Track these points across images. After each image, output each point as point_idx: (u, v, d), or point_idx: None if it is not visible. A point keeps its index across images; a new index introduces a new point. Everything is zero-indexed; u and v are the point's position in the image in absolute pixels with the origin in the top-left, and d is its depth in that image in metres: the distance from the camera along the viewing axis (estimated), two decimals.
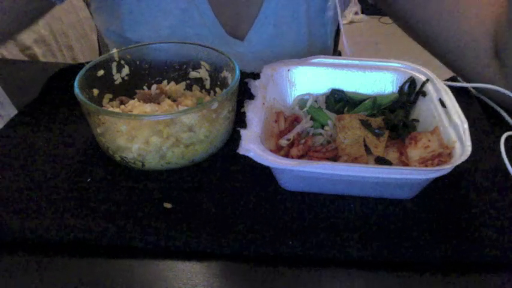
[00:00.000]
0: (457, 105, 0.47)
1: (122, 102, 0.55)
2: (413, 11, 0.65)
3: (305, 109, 0.53)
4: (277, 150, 0.48)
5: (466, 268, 0.39)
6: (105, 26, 0.76)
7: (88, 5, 0.85)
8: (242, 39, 0.73)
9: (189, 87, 0.58)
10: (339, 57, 0.57)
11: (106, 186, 0.45)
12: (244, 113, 0.46)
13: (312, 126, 0.52)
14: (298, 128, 0.50)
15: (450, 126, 0.45)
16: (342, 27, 0.67)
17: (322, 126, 0.52)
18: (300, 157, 0.47)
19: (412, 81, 0.53)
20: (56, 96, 0.59)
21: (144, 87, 0.57)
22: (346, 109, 0.54)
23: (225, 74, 0.54)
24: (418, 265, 0.39)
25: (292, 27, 0.73)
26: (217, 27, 0.71)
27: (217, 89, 0.57)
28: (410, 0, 0.65)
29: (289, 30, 0.73)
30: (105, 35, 0.79)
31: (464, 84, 0.60)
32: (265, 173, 0.46)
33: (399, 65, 0.55)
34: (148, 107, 0.52)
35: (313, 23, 0.74)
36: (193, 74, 0.58)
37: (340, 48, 1.12)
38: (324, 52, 0.78)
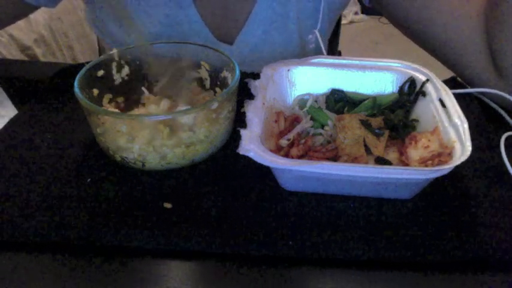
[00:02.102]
0: (457, 105, 0.47)
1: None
2: (410, 13, 0.65)
3: (305, 109, 0.53)
4: (277, 150, 0.48)
5: (466, 268, 0.39)
6: (97, 27, 0.76)
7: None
8: (231, 44, 0.72)
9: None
10: (339, 57, 0.57)
11: (106, 186, 0.45)
12: (244, 113, 0.46)
13: (312, 126, 0.52)
14: (298, 128, 0.50)
15: (450, 126, 0.45)
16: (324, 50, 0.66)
17: (322, 126, 0.52)
18: (300, 157, 0.47)
19: (412, 81, 0.53)
20: (56, 96, 0.59)
21: (143, 88, 0.57)
22: (346, 109, 0.54)
23: (225, 74, 0.54)
24: (418, 265, 0.39)
25: (282, 32, 0.72)
26: (204, 32, 0.70)
27: (217, 89, 0.57)
28: (406, 2, 0.65)
29: (279, 36, 0.72)
30: (99, 36, 0.79)
31: (467, 90, 0.60)
32: (265, 173, 0.46)
33: (399, 65, 0.55)
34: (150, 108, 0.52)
35: (304, 29, 0.73)
36: (193, 74, 0.58)
37: (340, 48, 1.12)
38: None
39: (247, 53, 0.72)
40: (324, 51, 0.67)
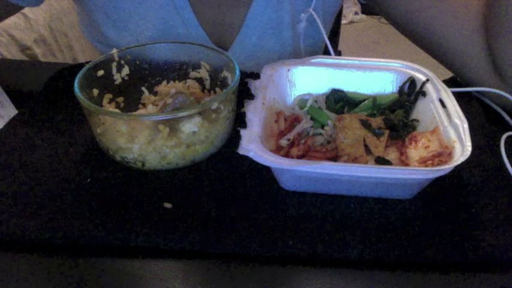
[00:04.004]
0: (457, 105, 0.47)
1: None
2: (409, 13, 0.65)
3: (305, 109, 0.53)
4: (277, 150, 0.48)
5: (466, 268, 0.39)
6: (89, 32, 0.75)
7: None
8: (227, 49, 0.72)
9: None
10: (339, 57, 0.57)
11: (106, 186, 0.45)
12: (244, 113, 0.46)
13: (312, 126, 0.52)
14: (298, 128, 0.50)
15: (450, 126, 0.45)
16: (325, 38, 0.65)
17: (322, 126, 0.52)
18: (300, 157, 0.47)
19: (412, 81, 0.53)
20: (56, 96, 0.59)
21: (143, 88, 0.57)
22: (346, 109, 0.54)
23: (225, 74, 0.54)
24: (418, 265, 0.39)
25: (277, 38, 0.72)
26: (201, 36, 0.70)
27: (217, 89, 0.57)
28: (405, 3, 0.64)
29: (274, 41, 0.72)
30: (92, 43, 0.77)
31: (467, 90, 0.60)
32: (265, 173, 0.46)
33: (399, 65, 0.55)
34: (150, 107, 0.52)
35: (299, 34, 0.71)
36: (193, 74, 0.58)
37: (340, 48, 1.12)
38: None
39: (243, 59, 0.72)
40: (323, 30, 0.65)
